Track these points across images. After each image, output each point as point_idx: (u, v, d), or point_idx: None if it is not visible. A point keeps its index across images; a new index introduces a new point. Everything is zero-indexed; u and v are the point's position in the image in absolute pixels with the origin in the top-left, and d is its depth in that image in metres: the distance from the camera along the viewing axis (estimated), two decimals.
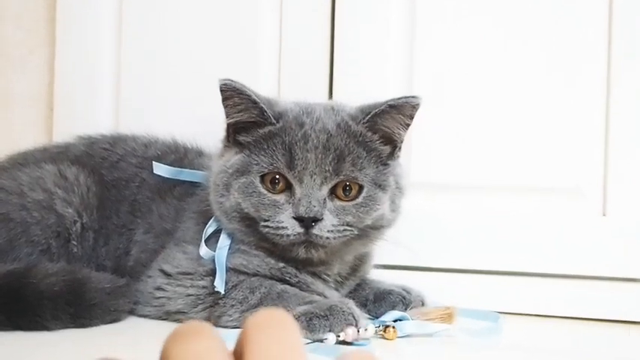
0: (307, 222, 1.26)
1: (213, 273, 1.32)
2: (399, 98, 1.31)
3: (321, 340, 1.18)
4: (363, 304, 1.45)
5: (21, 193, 1.42)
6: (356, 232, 1.31)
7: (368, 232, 1.34)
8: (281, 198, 1.28)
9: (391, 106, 1.30)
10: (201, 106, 1.86)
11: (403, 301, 1.42)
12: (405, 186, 1.39)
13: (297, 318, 1.22)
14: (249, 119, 1.30)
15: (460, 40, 1.70)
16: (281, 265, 1.33)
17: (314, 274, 1.35)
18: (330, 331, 1.20)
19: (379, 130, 1.32)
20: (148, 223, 1.47)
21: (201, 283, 1.33)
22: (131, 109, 1.93)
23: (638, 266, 1.57)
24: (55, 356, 1.13)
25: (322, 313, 1.22)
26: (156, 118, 1.85)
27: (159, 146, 1.57)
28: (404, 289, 1.45)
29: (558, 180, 1.63)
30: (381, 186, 1.32)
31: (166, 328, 1.28)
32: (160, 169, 1.47)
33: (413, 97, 1.31)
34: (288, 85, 1.80)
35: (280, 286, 1.31)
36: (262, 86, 1.70)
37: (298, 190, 1.27)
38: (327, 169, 1.27)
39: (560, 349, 1.33)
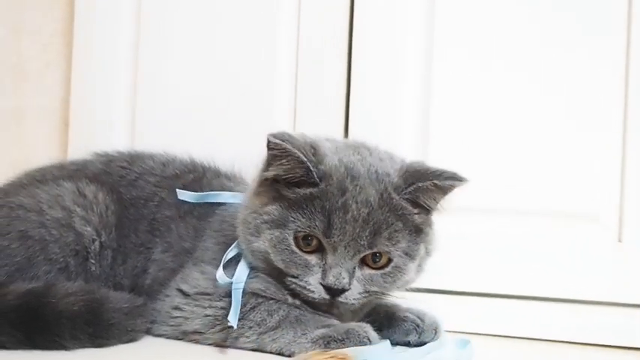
0: (335, 292, 1.26)
1: (231, 294, 1.31)
2: (445, 178, 1.26)
3: None
4: (378, 329, 1.45)
5: (40, 210, 1.41)
6: (379, 296, 1.33)
7: (390, 292, 1.36)
8: (312, 259, 1.27)
9: (436, 185, 1.27)
10: (218, 124, 1.87)
11: (417, 329, 1.41)
12: (433, 249, 1.36)
13: (315, 341, 1.23)
14: (292, 178, 1.27)
15: (479, 70, 1.71)
16: (292, 300, 1.32)
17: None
18: None
19: (418, 204, 1.29)
20: (167, 242, 1.46)
21: (220, 304, 1.32)
22: (147, 125, 1.94)
23: None
24: None
25: (339, 337, 1.22)
26: (172, 135, 1.86)
27: (177, 165, 1.57)
28: (418, 316, 1.43)
29: (575, 205, 1.63)
30: (410, 256, 1.30)
31: (183, 347, 1.29)
32: (185, 196, 1.46)
33: (460, 179, 1.27)
34: (305, 114, 1.82)
35: (298, 310, 1.30)
36: (277, 118, 1.72)
37: (330, 258, 1.26)
38: (362, 242, 1.25)
39: None
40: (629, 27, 1.61)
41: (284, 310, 1.29)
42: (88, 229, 1.42)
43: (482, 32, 1.71)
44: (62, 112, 2.06)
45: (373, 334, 1.26)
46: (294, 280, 1.28)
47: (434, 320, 1.45)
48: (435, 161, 1.63)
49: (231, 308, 1.28)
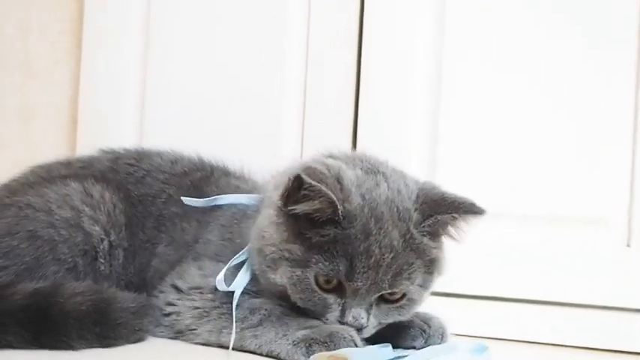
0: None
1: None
2: (465, 211, 1.25)
3: None
4: (383, 334, 1.44)
5: (49, 210, 1.41)
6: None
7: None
8: (331, 298, 1.25)
9: (454, 218, 1.26)
10: (225, 124, 1.87)
11: (423, 334, 1.40)
12: (444, 269, 1.34)
13: (296, 344, 1.20)
14: (319, 218, 1.22)
15: (488, 75, 1.71)
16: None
17: None
18: None
19: (436, 235, 1.28)
20: (171, 236, 1.46)
21: (210, 296, 1.32)
22: (155, 124, 1.94)
23: None
24: None
25: (322, 339, 1.19)
26: (180, 135, 1.86)
27: (185, 163, 1.57)
28: (424, 321, 1.42)
29: (583, 210, 1.63)
30: (425, 287, 1.29)
31: (190, 347, 1.29)
32: (191, 202, 1.43)
33: (479, 211, 1.26)
34: (313, 115, 1.82)
35: (280, 309, 1.28)
36: (285, 120, 1.73)
37: (350, 297, 1.24)
38: (383, 285, 1.23)
39: None
40: None
41: (266, 309, 1.28)
42: (97, 228, 1.42)
43: (492, 38, 1.71)
44: (70, 111, 2.07)
45: (358, 338, 1.23)
46: (312, 314, 1.26)
47: (440, 325, 1.43)
48: (443, 164, 1.66)
49: (233, 316, 1.27)
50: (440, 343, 1.41)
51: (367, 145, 1.48)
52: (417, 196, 1.28)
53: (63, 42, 2.10)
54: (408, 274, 1.25)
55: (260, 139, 1.83)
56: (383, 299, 1.27)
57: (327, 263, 1.22)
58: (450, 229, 1.28)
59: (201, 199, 1.44)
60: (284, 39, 1.88)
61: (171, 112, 1.93)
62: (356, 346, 1.20)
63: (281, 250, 1.25)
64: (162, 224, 1.48)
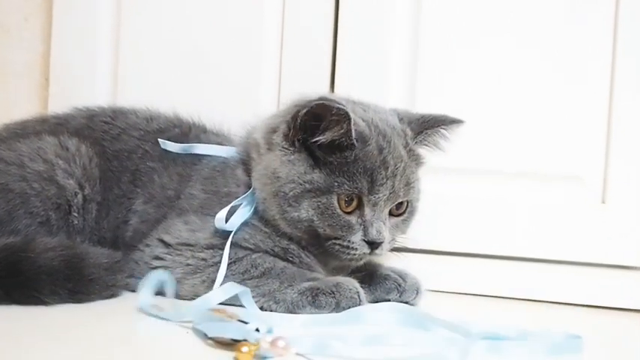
0: (375, 245, 1.31)
1: (213, 246, 1.32)
2: (449, 122, 1.40)
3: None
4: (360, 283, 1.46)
5: (21, 163, 1.39)
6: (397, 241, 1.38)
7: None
8: (352, 219, 1.30)
9: (445, 129, 1.39)
10: (201, 78, 1.85)
11: (398, 288, 1.43)
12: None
13: (303, 293, 1.24)
14: (340, 142, 1.28)
15: (467, 31, 1.69)
16: (285, 243, 1.33)
17: (315, 255, 1.36)
18: (335, 308, 1.23)
19: (424, 147, 1.40)
20: (149, 192, 1.45)
21: (202, 255, 1.32)
22: (129, 80, 1.90)
23: (636, 254, 1.58)
24: (53, 330, 1.12)
25: (329, 290, 1.24)
26: (155, 91, 1.83)
27: (162, 120, 1.55)
28: (400, 276, 1.45)
29: (559, 167, 1.63)
30: (419, 198, 1.40)
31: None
32: (169, 146, 1.46)
33: (459, 121, 1.40)
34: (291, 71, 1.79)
35: (282, 263, 1.32)
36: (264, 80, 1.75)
37: (369, 213, 1.31)
38: (400, 193, 1.32)
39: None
40: None
41: (269, 263, 1.31)
42: (71, 182, 1.41)
43: None
44: (42, 67, 2.03)
45: (361, 290, 1.29)
46: (337, 241, 1.31)
47: (415, 281, 1.47)
48: None
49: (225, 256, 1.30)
50: (414, 299, 1.43)
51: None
52: (400, 119, 1.40)
53: None
54: (414, 182, 1.36)
55: (237, 91, 1.81)
56: (391, 213, 1.35)
57: (349, 182, 1.29)
58: (438, 140, 1.41)
59: (178, 145, 1.47)
60: None
61: (146, 68, 1.90)
62: (359, 296, 1.27)
63: (302, 184, 1.30)
64: (139, 179, 1.47)
